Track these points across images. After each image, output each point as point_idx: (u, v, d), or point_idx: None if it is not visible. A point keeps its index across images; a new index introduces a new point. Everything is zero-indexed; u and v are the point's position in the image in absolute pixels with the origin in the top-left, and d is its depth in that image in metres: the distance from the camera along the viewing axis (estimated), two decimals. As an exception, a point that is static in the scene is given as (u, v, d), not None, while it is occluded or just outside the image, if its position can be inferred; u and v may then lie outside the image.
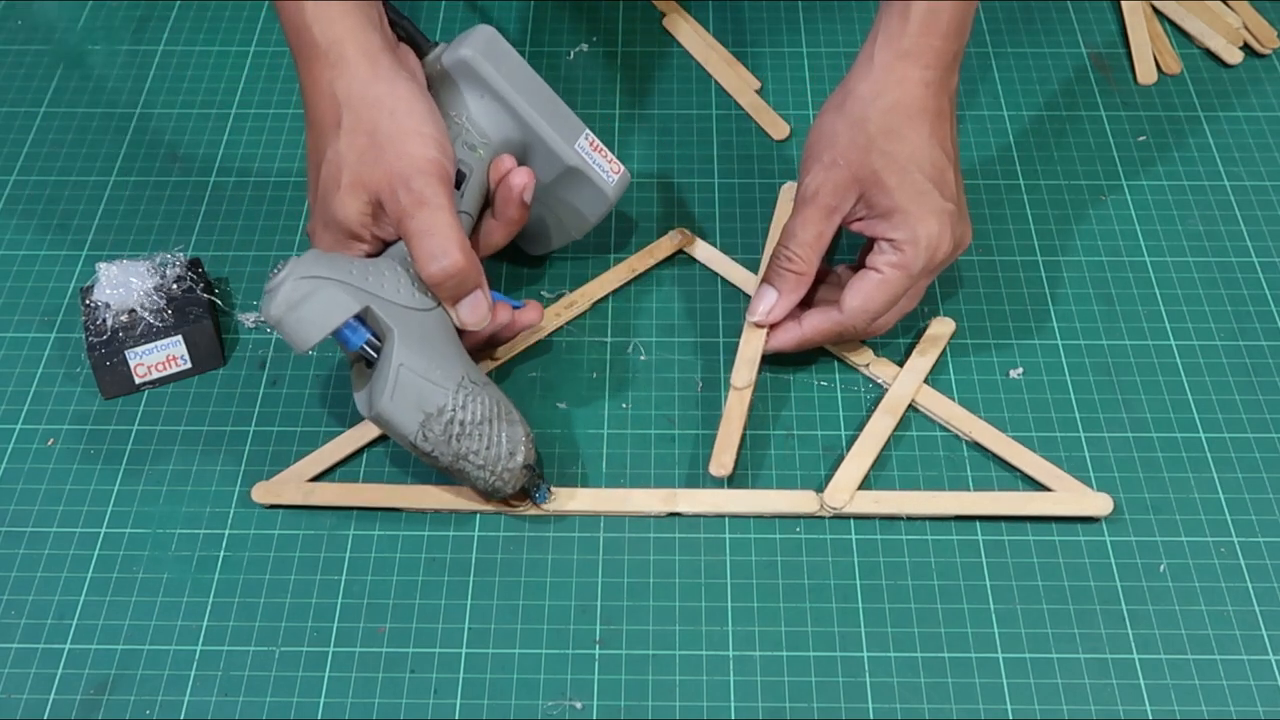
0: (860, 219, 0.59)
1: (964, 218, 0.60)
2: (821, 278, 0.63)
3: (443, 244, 0.54)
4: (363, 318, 0.54)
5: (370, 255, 0.58)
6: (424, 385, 0.54)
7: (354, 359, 0.57)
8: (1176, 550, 0.58)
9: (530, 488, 0.58)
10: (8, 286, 0.68)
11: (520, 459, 0.56)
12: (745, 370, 0.61)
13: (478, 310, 0.57)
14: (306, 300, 0.52)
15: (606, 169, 0.64)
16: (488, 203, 0.62)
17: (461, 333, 0.58)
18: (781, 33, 0.82)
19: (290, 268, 0.53)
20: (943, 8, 0.57)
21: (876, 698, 0.53)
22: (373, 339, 0.54)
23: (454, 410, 0.54)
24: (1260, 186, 0.72)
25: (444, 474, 0.57)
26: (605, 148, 0.64)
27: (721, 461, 0.59)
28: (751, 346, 0.62)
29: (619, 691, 0.53)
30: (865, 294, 0.59)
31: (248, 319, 0.66)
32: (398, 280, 0.55)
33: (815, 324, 0.61)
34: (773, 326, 0.62)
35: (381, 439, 0.61)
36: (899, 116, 0.58)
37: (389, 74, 0.56)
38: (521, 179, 0.59)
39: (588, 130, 0.64)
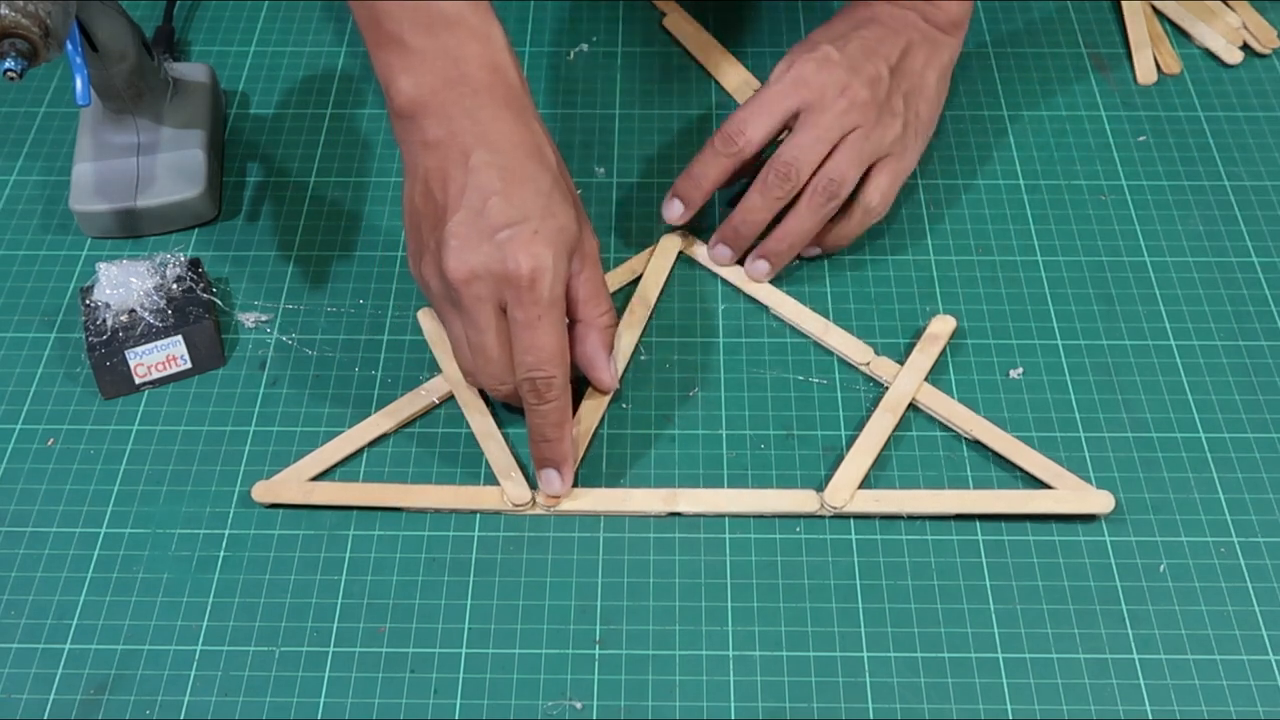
0: None
1: (854, 72, 0.63)
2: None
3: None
4: None
5: None
6: None
7: None
8: (1176, 550, 0.58)
9: None
10: (8, 286, 0.68)
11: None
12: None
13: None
14: None
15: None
16: None
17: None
18: (781, 33, 0.82)
19: None
20: None
21: (876, 698, 0.53)
22: None
23: None
24: (1260, 186, 0.72)
25: None
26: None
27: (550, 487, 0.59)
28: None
29: (619, 691, 0.53)
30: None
31: (248, 319, 0.66)
32: None
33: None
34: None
35: (381, 439, 0.61)
36: (843, 15, 0.68)
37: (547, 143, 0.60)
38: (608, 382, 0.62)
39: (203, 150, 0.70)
